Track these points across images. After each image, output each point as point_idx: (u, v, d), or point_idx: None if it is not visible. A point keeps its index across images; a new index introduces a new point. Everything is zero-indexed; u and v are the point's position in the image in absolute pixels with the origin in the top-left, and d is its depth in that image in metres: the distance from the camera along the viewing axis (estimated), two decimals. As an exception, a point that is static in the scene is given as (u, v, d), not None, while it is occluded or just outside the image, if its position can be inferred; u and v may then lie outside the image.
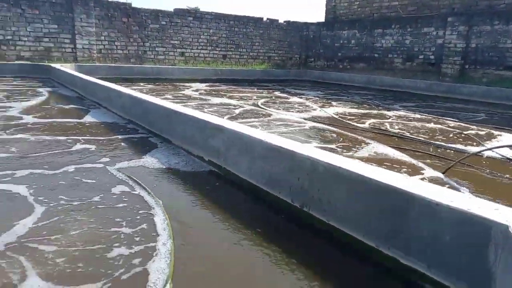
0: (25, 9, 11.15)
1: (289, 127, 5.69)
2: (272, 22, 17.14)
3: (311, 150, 2.33)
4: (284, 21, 17.65)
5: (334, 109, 7.99)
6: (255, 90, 11.48)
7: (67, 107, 6.18)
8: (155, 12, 13.63)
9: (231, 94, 9.86)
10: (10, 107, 5.90)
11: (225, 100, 8.52)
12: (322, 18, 18.68)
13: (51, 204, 2.39)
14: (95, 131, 4.52)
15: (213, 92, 10.12)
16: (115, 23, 12.78)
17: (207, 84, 12.52)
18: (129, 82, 11.01)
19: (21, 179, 2.80)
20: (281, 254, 1.96)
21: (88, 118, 5.29)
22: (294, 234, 2.26)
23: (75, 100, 7.00)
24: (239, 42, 16.24)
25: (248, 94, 10.07)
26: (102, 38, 12.61)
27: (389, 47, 14.50)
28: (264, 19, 16.89)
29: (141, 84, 11.20)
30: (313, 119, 6.58)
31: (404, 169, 3.71)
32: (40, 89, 8.27)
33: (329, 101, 9.56)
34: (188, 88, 10.84)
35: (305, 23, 18.01)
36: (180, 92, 9.90)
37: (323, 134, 5.36)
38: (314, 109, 7.87)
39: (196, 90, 10.49)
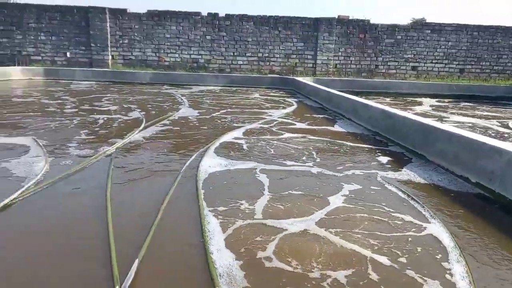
0: (281, 30, 13.20)
1: None
2: (529, 30, 14.57)
3: None
4: (547, 28, 14.72)
5: None
6: (499, 109, 10.03)
7: (319, 116, 6.99)
8: (391, 27, 13.72)
9: (471, 112, 8.95)
10: (273, 113, 7.13)
11: (463, 119, 7.82)
12: None
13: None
14: (347, 140, 4.98)
15: (449, 109, 9.42)
16: (352, 40, 13.56)
17: (439, 99, 11.73)
18: (359, 95, 11.45)
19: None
20: None
21: (337, 128, 5.86)
22: None
23: (319, 110, 7.82)
24: (482, 54, 14.52)
25: (492, 113, 8.91)
26: (339, 54, 13.60)
27: None
28: (519, 27, 14.55)
29: (369, 97, 11.47)
30: None
31: None
32: (289, 99, 9.62)
33: None
34: (419, 104, 10.45)
35: None
36: (412, 106, 9.65)
37: None
38: None
39: (430, 106, 9.99)
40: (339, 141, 4.89)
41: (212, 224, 2.36)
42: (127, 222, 2.39)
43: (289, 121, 6.34)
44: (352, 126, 6.00)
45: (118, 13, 12.87)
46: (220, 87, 11.99)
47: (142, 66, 13.21)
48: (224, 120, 6.23)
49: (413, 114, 5.42)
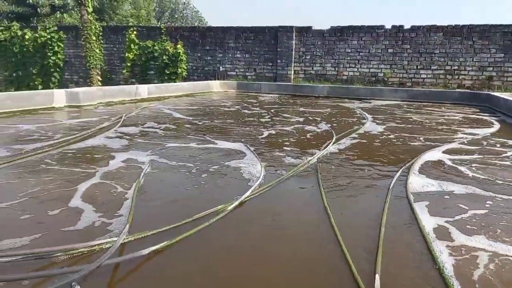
0: (475, 40, 11.80)
1: None
2: None
3: None
4: None
5: None
6: None
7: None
8: None
9: None
10: (473, 133, 6.38)
11: None
12: None
13: None
14: None
15: None
16: None
17: None
18: None
19: None
20: None
21: None
22: None
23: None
24: None
25: None
26: (554, 65, 11.33)
27: None
28: None
29: None
30: None
31: None
32: (486, 117, 8.47)
33: None
34: None
35: None
36: None
37: None
38: None
39: None
40: None
41: (437, 246, 2.25)
42: (351, 234, 2.47)
43: (499, 140, 5.57)
44: None
45: (304, 31, 13.70)
46: (399, 102, 11.44)
47: (320, 80, 13.70)
48: (413, 137, 5.90)
49: None
